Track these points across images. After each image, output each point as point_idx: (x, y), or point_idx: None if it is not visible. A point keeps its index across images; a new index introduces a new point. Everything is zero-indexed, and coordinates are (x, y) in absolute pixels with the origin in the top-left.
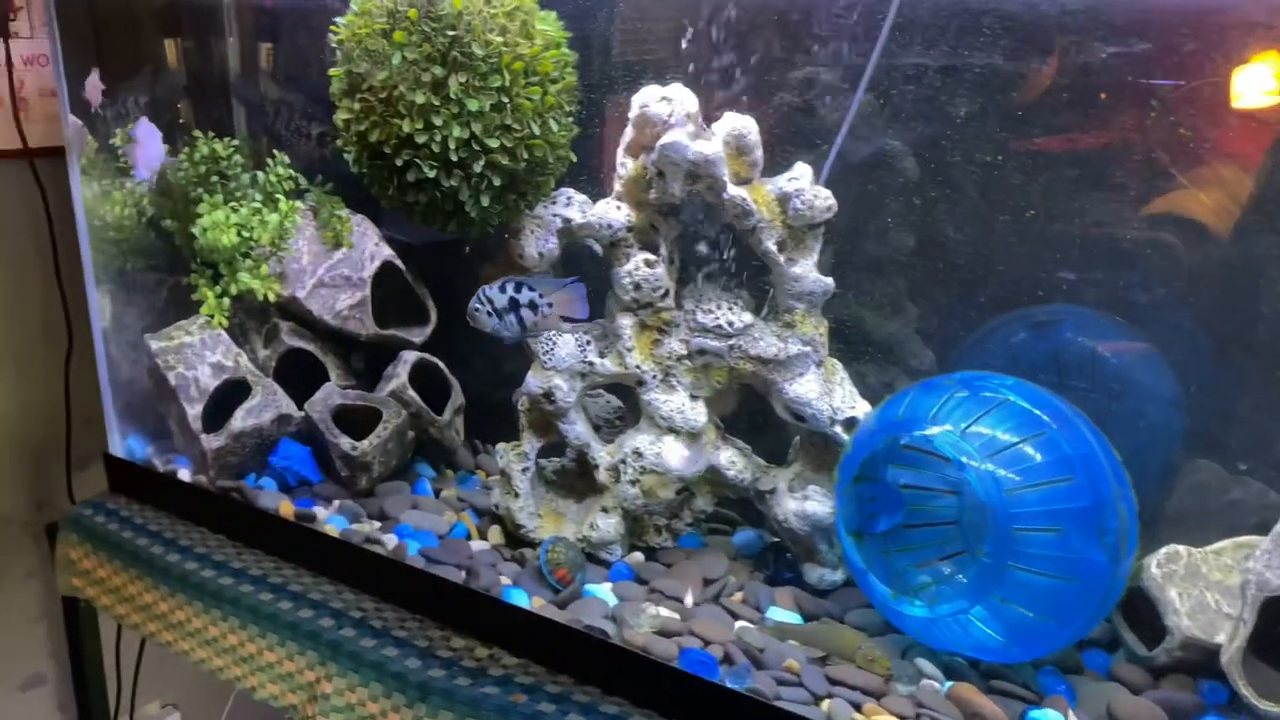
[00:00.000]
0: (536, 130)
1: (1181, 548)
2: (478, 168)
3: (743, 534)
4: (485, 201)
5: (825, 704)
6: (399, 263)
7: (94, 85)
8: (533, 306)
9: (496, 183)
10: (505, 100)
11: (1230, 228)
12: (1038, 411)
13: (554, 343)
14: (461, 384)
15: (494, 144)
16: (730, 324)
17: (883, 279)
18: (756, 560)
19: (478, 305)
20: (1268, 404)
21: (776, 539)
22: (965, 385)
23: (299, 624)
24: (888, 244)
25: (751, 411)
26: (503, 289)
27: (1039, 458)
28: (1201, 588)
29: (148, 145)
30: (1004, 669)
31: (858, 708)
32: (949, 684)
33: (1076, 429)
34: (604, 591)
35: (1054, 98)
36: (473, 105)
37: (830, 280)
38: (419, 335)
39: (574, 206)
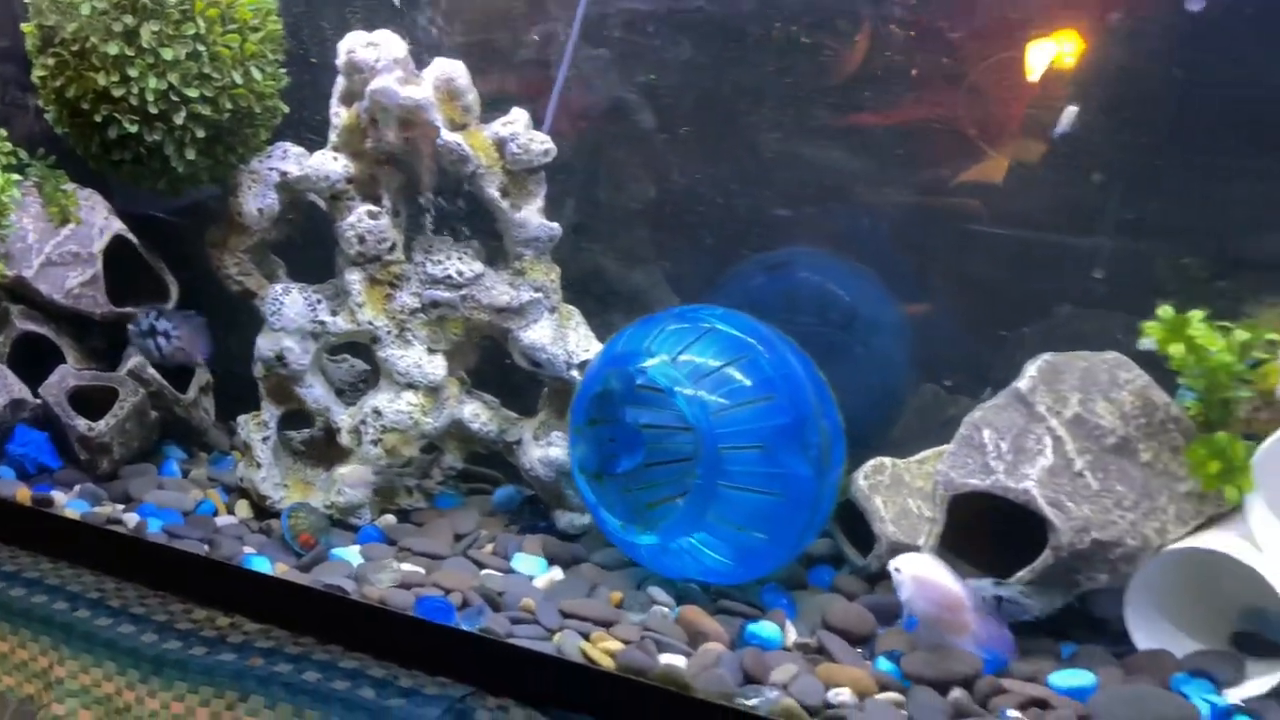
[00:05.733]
0: (238, 79)
1: (886, 459)
2: (179, 120)
3: (503, 490)
4: (191, 155)
5: (557, 636)
6: (131, 236)
7: None
8: (166, 336)
9: (200, 135)
10: (202, 49)
11: None
12: (743, 336)
13: (281, 302)
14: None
15: (193, 94)
16: (460, 274)
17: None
18: (514, 514)
19: (133, 327)
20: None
21: (531, 490)
22: (678, 318)
23: (31, 610)
24: (628, 194)
25: (509, 368)
26: (147, 315)
27: (744, 380)
28: (905, 495)
29: None
30: (733, 590)
31: (586, 637)
32: (679, 609)
33: (779, 351)
34: (351, 554)
35: None
36: (167, 54)
37: (556, 225)
38: None
39: (290, 159)
